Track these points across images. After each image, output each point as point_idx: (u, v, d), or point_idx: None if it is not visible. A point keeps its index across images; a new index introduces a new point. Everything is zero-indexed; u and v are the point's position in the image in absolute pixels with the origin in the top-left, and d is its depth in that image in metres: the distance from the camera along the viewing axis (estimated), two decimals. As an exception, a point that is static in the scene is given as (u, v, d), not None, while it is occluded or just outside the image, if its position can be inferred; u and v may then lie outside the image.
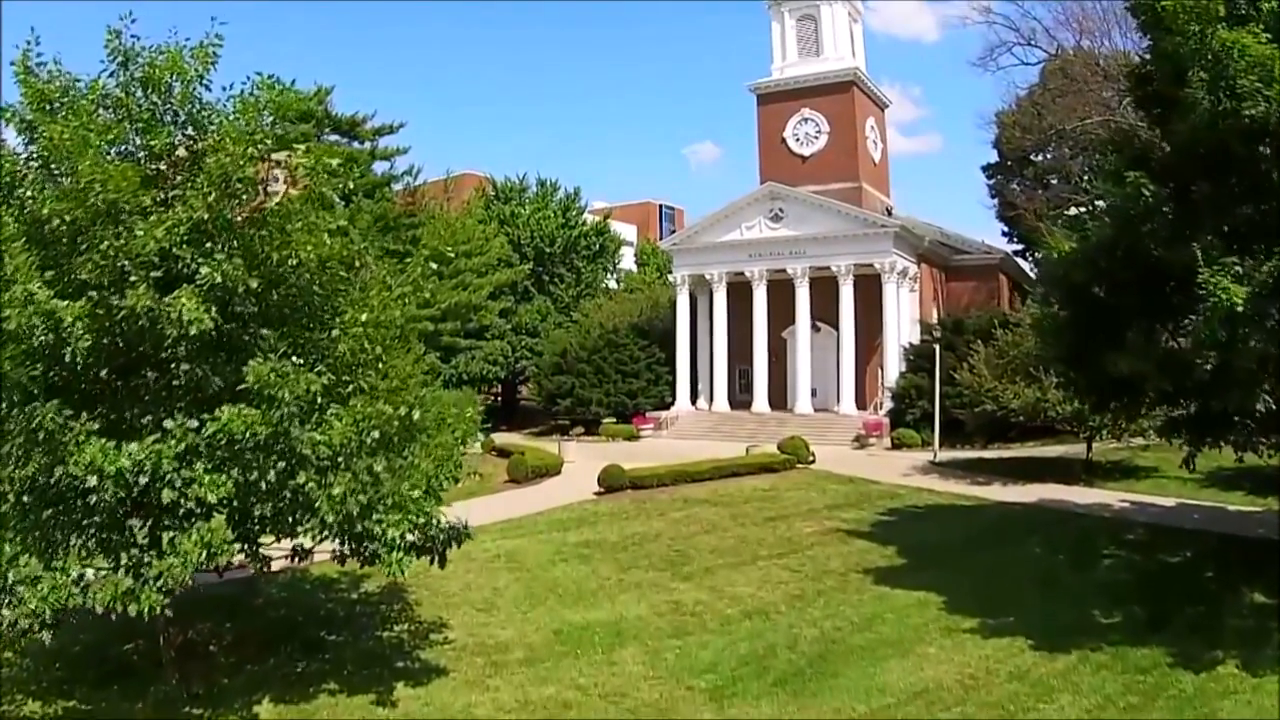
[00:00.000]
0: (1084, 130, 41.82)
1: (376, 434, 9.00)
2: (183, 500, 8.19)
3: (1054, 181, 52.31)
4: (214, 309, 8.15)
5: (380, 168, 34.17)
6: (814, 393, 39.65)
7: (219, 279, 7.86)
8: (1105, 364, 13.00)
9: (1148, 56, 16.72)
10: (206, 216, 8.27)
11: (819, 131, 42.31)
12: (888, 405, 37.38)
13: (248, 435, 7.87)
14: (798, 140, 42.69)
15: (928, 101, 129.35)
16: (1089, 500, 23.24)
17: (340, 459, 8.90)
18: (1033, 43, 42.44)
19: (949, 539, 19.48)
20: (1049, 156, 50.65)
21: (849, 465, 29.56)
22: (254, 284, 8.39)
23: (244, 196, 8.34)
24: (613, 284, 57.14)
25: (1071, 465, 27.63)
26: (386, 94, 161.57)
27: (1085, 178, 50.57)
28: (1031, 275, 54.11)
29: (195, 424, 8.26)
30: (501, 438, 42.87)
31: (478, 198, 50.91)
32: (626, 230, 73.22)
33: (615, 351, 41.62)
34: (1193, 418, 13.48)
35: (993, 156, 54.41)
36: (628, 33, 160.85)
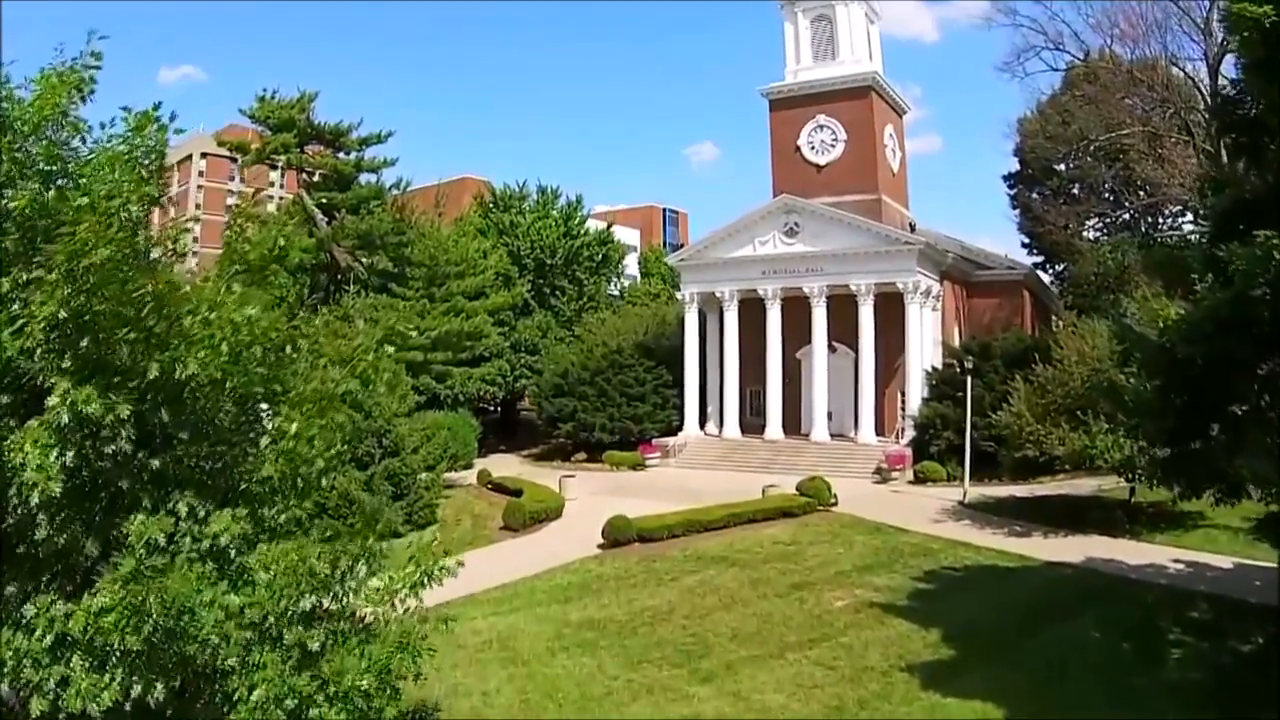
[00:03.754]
0: (1115, 141, 39.56)
1: (308, 604, 6.73)
2: (61, 705, 5.98)
3: (1077, 191, 50.10)
4: (73, 452, 5.87)
5: (366, 178, 31.87)
6: (829, 416, 37.44)
7: (66, 418, 5.60)
8: (1213, 456, 10.79)
9: (1242, 78, 14.62)
10: (64, 315, 5.97)
11: (835, 139, 40.04)
12: (909, 434, 35.14)
13: (124, 637, 5.64)
14: (813, 148, 40.42)
15: (927, 102, 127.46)
16: (1140, 560, 21.14)
17: (269, 621, 6.68)
18: (1060, 47, 40.05)
19: (997, 617, 17.26)
20: (1073, 166, 48.33)
21: (873, 506, 27.35)
22: (125, 412, 6.08)
23: (108, 288, 6.02)
24: (614, 291, 54.93)
25: (1112, 510, 25.54)
26: (385, 97, 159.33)
27: (1108, 187, 48.46)
28: (1054, 290, 51.94)
29: (65, 608, 6.01)
30: (499, 463, 40.70)
31: (476, 206, 48.63)
32: (629, 235, 71.11)
33: (619, 373, 39.34)
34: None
35: (1010, 164, 52.17)
36: (626, 34, 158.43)
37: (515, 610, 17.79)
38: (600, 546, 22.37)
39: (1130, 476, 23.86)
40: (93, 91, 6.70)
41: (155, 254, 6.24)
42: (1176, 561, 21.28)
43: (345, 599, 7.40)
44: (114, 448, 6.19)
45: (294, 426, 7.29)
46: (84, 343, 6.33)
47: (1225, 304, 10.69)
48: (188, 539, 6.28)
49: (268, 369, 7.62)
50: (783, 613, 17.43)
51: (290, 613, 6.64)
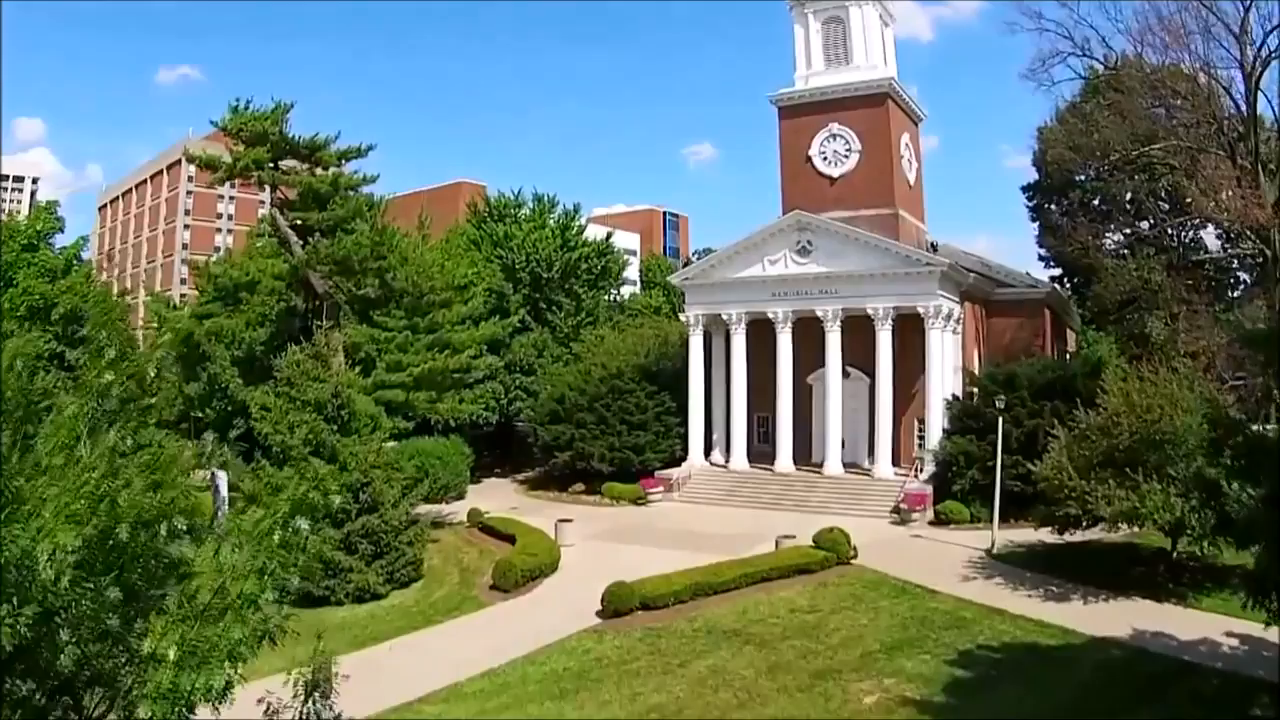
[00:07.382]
0: (1145, 154, 37.33)
1: None
2: None
3: (1098, 203, 47.91)
4: None
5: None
6: (843, 445, 35.28)
7: None
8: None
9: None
10: None
11: (849, 149, 37.75)
12: (929, 468, 32.99)
13: None
14: (825, 159, 38.14)
15: (923, 102, 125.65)
16: (1190, 635, 19.15)
17: None
18: (1087, 53, 37.72)
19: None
20: (1095, 178, 46.10)
21: (894, 558, 25.23)
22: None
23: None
24: (613, 297, 52.63)
25: (1153, 565, 23.53)
26: (385, 97, 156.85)
27: (1130, 199, 46.24)
28: (1076, 308, 49.69)
29: None
30: (493, 490, 38.70)
31: (469, 215, 46.27)
32: (629, 240, 68.90)
33: (619, 398, 37.06)
34: None
35: (1025, 172, 49.94)
36: (624, 33, 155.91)
37: (504, 709, 15.66)
38: (599, 615, 20.24)
39: (1177, 538, 21.88)
40: None
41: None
42: (1230, 635, 19.24)
43: None
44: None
45: (172, 652, 5.27)
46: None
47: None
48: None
49: (135, 570, 5.53)
50: (806, 714, 15.34)
51: None
